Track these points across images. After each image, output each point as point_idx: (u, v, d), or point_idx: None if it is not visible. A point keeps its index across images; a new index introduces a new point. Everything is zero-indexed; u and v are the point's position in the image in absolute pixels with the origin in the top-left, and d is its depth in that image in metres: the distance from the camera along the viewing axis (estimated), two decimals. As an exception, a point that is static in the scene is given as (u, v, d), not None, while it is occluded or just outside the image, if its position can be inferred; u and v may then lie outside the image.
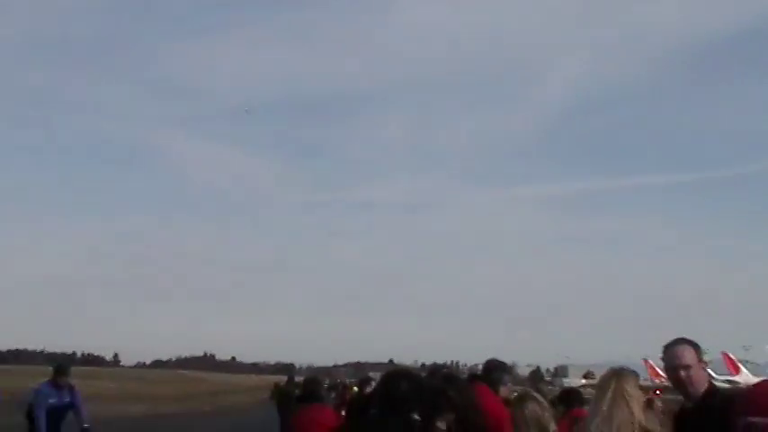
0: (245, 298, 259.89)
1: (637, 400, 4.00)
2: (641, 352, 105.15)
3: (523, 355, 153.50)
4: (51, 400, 10.45)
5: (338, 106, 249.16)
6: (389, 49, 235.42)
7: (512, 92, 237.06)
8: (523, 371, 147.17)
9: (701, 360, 4.21)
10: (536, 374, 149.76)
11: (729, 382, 71.44)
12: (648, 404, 4.08)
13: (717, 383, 4.42)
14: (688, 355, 4.16)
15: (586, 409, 7.47)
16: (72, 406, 10.71)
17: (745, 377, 79.80)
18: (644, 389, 4.23)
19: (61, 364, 11.26)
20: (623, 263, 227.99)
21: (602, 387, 4.12)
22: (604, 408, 3.99)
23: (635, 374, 4.35)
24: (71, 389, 10.77)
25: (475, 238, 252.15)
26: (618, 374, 4.16)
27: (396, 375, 4.44)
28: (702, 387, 4.15)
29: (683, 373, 4.15)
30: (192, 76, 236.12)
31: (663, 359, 4.35)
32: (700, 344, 4.27)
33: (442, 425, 4.55)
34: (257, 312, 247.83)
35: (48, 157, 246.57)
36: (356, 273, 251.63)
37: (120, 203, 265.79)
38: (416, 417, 4.42)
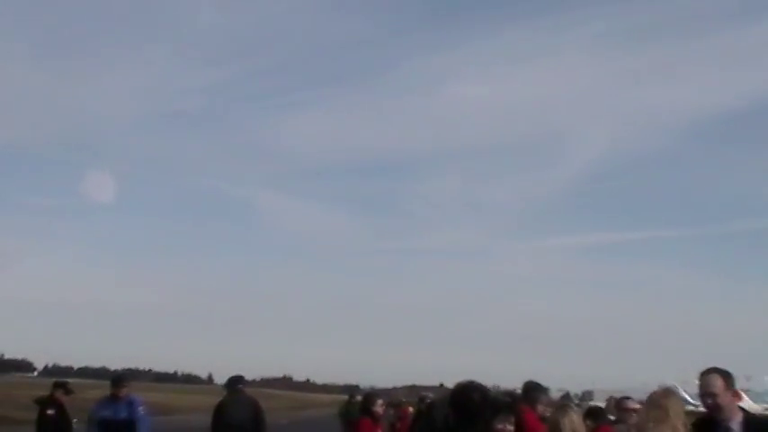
0: (318, 328, 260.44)
1: (679, 417, 3.87)
2: (656, 379, 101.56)
3: (555, 381, 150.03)
4: (105, 413, 8.62)
5: (397, 168, 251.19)
6: (441, 121, 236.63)
7: (544, 157, 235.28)
8: (555, 395, 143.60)
9: (730, 388, 3.98)
10: (566, 398, 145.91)
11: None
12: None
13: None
14: (715, 384, 3.95)
15: (611, 426, 7.35)
16: (130, 420, 8.64)
17: (747, 404, 77.12)
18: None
19: (118, 376, 9.29)
20: (641, 302, 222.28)
21: (652, 404, 3.97)
22: (652, 424, 3.85)
23: (680, 396, 4.23)
24: (130, 402, 8.71)
25: (514, 280, 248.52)
26: (666, 394, 4.02)
27: (467, 388, 4.19)
28: (732, 413, 3.95)
29: (709, 400, 3.96)
30: (277, 143, 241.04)
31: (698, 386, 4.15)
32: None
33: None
34: (329, 341, 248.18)
35: (163, 208, 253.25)
36: (412, 308, 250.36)
37: (216, 246, 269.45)
38: (491, 423, 4.40)
